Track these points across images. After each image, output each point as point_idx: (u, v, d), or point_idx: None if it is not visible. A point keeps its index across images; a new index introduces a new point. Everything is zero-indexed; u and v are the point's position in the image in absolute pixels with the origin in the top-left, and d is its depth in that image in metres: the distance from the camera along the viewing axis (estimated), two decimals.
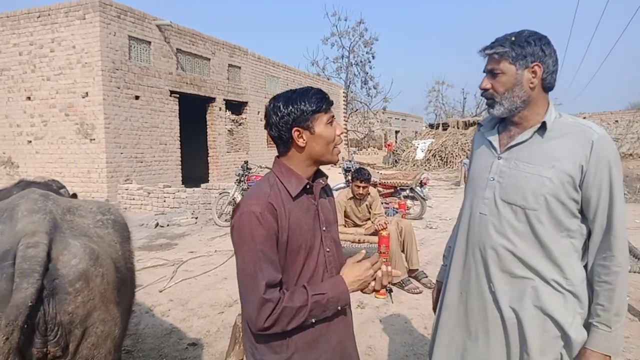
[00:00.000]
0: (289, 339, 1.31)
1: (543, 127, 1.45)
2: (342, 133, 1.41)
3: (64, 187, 2.58)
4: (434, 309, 1.84)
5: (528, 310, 1.44)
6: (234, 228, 1.31)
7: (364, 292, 1.43)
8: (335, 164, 1.46)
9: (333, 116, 1.39)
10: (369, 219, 5.08)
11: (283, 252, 1.32)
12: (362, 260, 1.40)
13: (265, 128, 1.41)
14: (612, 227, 1.39)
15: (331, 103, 1.39)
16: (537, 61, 1.42)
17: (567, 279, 1.43)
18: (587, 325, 1.45)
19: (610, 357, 1.42)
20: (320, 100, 1.35)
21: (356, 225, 5.10)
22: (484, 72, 1.52)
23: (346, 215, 5.09)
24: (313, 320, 1.30)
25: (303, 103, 1.33)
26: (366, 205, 5.06)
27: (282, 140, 1.37)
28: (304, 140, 1.34)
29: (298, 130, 1.34)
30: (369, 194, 5.01)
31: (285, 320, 1.25)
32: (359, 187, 4.87)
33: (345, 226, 5.04)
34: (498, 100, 1.46)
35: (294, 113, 1.33)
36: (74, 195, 2.55)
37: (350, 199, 5.03)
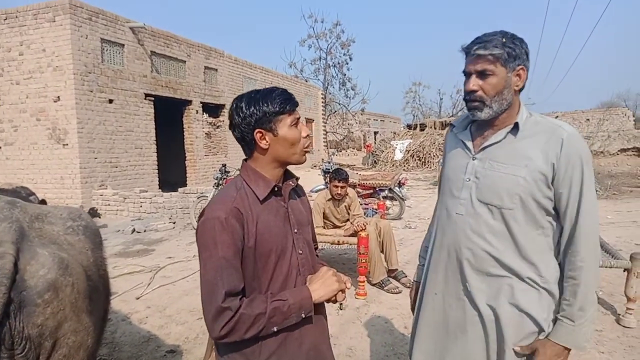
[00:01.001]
0: (261, 345, 1.28)
1: (516, 127, 1.46)
2: (307, 135, 1.37)
3: (33, 194, 2.50)
4: (412, 309, 1.85)
5: (504, 307, 1.46)
6: (198, 234, 1.28)
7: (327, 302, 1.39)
8: (301, 164, 1.44)
9: (299, 118, 1.35)
10: (347, 220, 5.09)
11: (252, 257, 1.28)
12: (330, 273, 1.37)
13: (230, 129, 1.38)
14: (578, 223, 1.40)
15: (296, 104, 1.35)
16: (523, 64, 1.43)
17: (542, 276, 1.45)
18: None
19: (569, 350, 1.44)
20: (284, 102, 1.31)
21: (335, 227, 5.10)
22: (465, 72, 1.47)
23: (325, 217, 5.08)
24: (275, 329, 1.25)
25: (266, 104, 1.30)
26: (345, 206, 5.06)
27: (245, 141, 1.35)
28: (266, 142, 1.32)
29: (260, 132, 1.31)
30: (347, 194, 5.02)
31: (243, 328, 1.20)
32: (337, 187, 4.87)
33: (324, 228, 5.04)
34: (488, 104, 1.44)
35: (256, 114, 1.30)
36: (43, 202, 2.48)
37: (329, 200, 5.02)
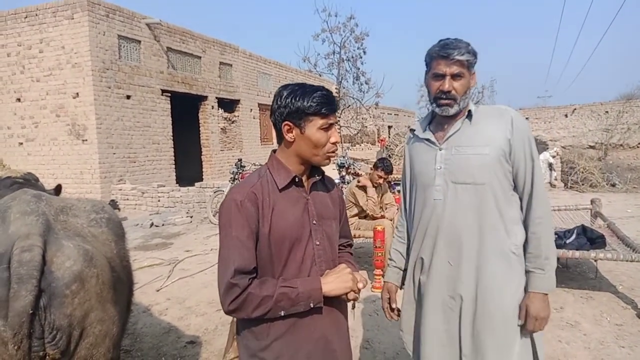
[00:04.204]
0: (269, 326, 1.33)
1: (469, 115, 1.66)
2: (336, 142, 1.39)
3: (38, 179, 2.60)
4: (384, 309, 1.91)
5: (483, 283, 1.59)
6: (218, 215, 1.37)
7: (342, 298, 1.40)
8: (323, 166, 1.46)
9: (332, 124, 1.36)
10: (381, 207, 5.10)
11: (266, 241, 1.33)
12: (346, 270, 1.38)
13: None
14: (533, 187, 1.61)
15: (334, 109, 1.36)
16: (473, 67, 1.65)
17: (514, 244, 1.62)
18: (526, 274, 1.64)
19: (547, 295, 1.61)
20: (321, 104, 1.33)
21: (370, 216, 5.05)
22: (439, 73, 1.61)
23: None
24: (282, 313, 1.29)
25: (302, 100, 1.32)
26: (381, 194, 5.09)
27: (276, 128, 1.40)
28: (292, 136, 1.36)
29: (288, 125, 1.35)
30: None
31: (250, 306, 1.27)
32: (380, 177, 4.93)
33: (360, 216, 5.03)
34: (458, 101, 1.62)
35: (289, 107, 1.33)
36: (59, 187, 2.56)
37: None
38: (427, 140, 1.72)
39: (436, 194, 1.67)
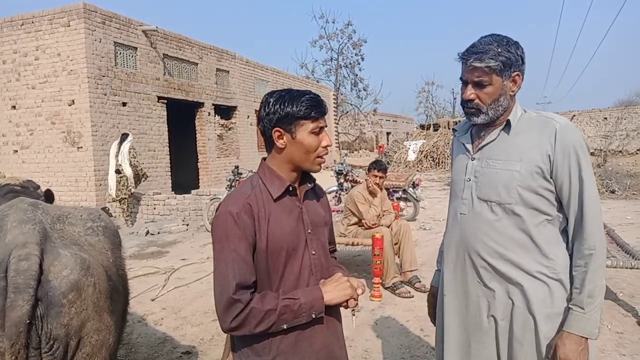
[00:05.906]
0: (271, 342, 1.30)
1: (508, 125, 1.51)
2: (328, 145, 1.37)
3: (39, 187, 2.59)
4: (430, 314, 1.86)
5: (516, 309, 1.47)
6: (212, 228, 1.32)
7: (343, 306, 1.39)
8: (315, 173, 1.43)
9: (322, 127, 1.35)
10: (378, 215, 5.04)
11: (263, 253, 1.30)
12: (344, 278, 1.37)
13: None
14: (583, 211, 1.42)
15: (323, 112, 1.34)
16: (517, 70, 1.47)
17: (552, 267, 1.46)
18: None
19: (586, 339, 1.42)
20: (310, 107, 1.31)
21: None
22: (463, 79, 1.51)
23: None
24: (285, 326, 1.27)
25: (291, 105, 1.30)
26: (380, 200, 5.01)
27: (265, 136, 1.37)
28: (283, 142, 1.33)
29: (279, 131, 1.33)
30: (381, 188, 4.99)
31: (253, 322, 1.23)
32: (376, 176, 4.82)
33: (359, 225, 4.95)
34: (484, 111, 1.48)
35: (278, 113, 1.31)
36: (48, 191, 2.55)
37: (368, 194, 4.92)
38: (464, 146, 1.61)
39: (463, 207, 1.56)
